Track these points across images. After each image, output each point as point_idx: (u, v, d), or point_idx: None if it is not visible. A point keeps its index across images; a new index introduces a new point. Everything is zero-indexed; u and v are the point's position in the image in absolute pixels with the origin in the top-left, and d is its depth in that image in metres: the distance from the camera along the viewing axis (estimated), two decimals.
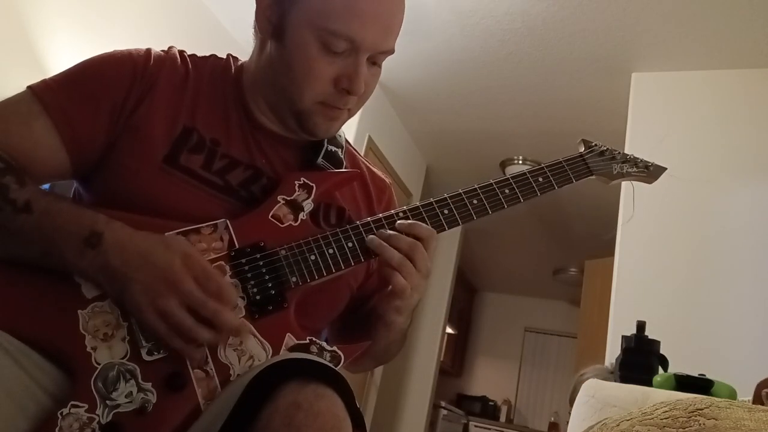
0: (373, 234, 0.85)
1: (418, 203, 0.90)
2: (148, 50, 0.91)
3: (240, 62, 0.98)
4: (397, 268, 0.82)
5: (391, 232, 0.84)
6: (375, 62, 0.88)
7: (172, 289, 0.70)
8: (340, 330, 1.00)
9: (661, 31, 2.71)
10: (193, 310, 0.71)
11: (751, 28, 2.58)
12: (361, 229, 0.86)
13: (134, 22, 2.71)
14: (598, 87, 3.18)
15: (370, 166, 1.06)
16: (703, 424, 0.85)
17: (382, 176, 1.07)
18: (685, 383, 1.44)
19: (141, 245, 0.73)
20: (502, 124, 3.74)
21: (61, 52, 2.41)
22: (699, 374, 1.48)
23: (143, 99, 0.86)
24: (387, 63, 0.91)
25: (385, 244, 0.82)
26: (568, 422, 1.42)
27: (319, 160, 0.93)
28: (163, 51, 0.93)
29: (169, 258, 0.72)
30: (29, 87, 0.84)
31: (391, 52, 0.88)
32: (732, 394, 1.43)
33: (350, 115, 0.92)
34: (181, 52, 0.94)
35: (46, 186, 0.90)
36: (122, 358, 0.72)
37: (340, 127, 0.94)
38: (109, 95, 0.85)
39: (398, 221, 0.86)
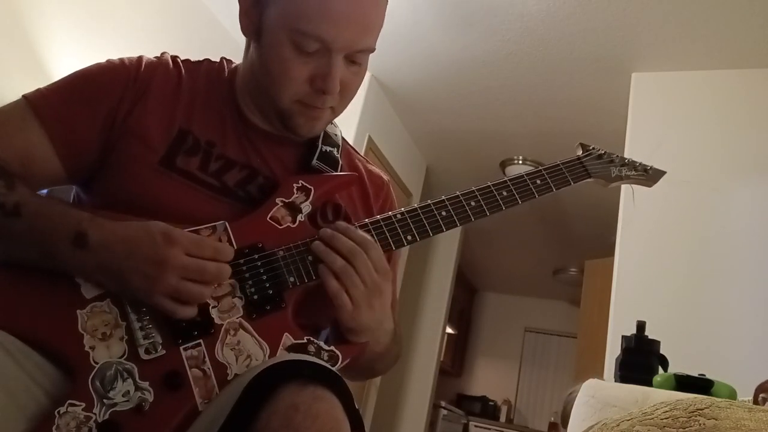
0: (371, 235, 0.85)
1: (416, 205, 0.90)
2: (140, 57, 0.92)
3: (234, 64, 0.99)
4: (339, 274, 0.79)
5: (333, 231, 0.81)
6: (354, 61, 0.87)
7: (166, 268, 0.71)
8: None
9: (661, 31, 2.71)
10: (196, 279, 0.73)
11: (751, 28, 2.58)
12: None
13: (134, 23, 2.71)
14: (598, 87, 3.18)
15: (367, 164, 1.06)
16: (704, 424, 0.85)
17: (380, 173, 1.07)
18: (685, 383, 1.44)
19: (123, 235, 0.74)
20: (502, 124, 3.74)
21: (61, 54, 2.41)
22: (699, 374, 1.48)
23: (136, 104, 0.87)
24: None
25: (328, 249, 0.80)
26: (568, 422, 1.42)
27: (314, 161, 0.93)
28: (155, 57, 0.94)
29: (151, 240, 0.73)
30: (24, 96, 0.85)
31: (370, 50, 0.87)
32: (732, 394, 1.43)
33: (335, 114, 0.92)
34: (174, 57, 0.96)
35: (44, 191, 0.91)
36: (120, 357, 0.72)
37: (324, 126, 0.94)
38: (103, 103, 0.86)
39: (337, 222, 0.84)
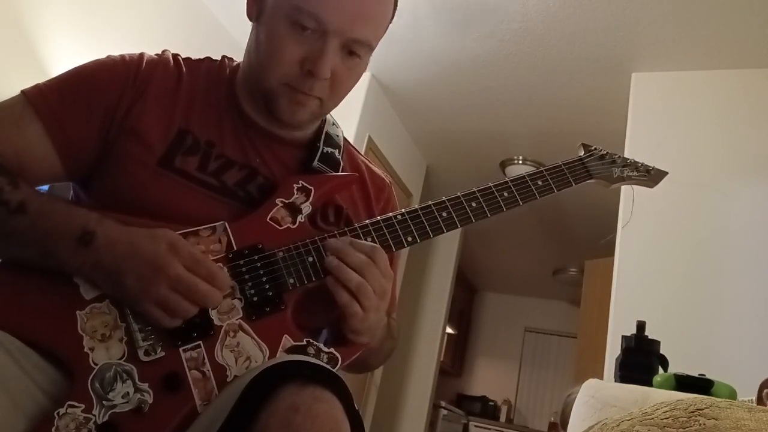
0: (371, 237, 0.85)
1: (416, 206, 0.90)
2: (141, 54, 0.91)
3: (235, 63, 0.98)
4: (355, 292, 0.79)
5: (343, 246, 0.81)
6: (352, 52, 0.86)
7: (161, 275, 0.71)
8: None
9: (661, 31, 2.71)
10: (185, 294, 0.72)
11: (751, 28, 2.58)
12: (359, 232, 0.86)
13: (134, 23, 2.71)
14: (598, 87, 3.18)
15: (370, 165, 1.05)
16: (704, 424, 0.84)
17: (382, 175, 1.06)
18: (685, 383, 1.44)
19: (129, 238, 0.74)
20: (502, 124, 3.74)
21: (61, 53, 2.41)
22: (699, 374, 1.48)
23: (136, 102, 0.86)
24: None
25: (343, 265, 0.80)
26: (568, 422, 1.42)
27: (315, 163, 0.92)
28: (156, 55, 0.93)
29: (155, 247, 0.73)
30: (22, 91, 0.84)
31: (368, 43, 0.86)
32: (732, 394, 1.43)
33: (323, 109, 0.90)
34: (175, 56, 0.95)
35: (44, 188, 0.90)
36: (119, 359, 0.72)
37: (308, 117, 0.90)
38: (101, 100, 0.85)
39: (342, 238, 0.83)
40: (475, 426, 6.41)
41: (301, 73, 0.84)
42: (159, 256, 0.72)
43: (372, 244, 0.83)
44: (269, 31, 0.85)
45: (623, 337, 1.71)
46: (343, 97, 0.92)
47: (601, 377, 2.38)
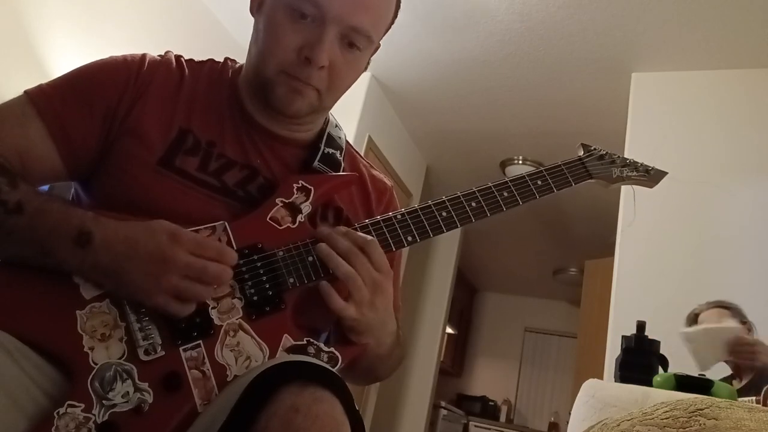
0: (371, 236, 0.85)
1: (416, 206, 0.90)
2: (143, 55, 0.92)
3: (238, 64, 0.98)
4: (343, 281, 0.79)
5: (331, 232, 0.82)
6: (351, 43, 0.86)
7: (169, 267, 0.72)
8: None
9: (661, 31, 2.71)
10: (198, 278, 0.73)
11: (751, 28, 2.58)
12: (359, 231, 0.85)
13: (135, 23, 2.71)
14: (598, 87, 3.18)
15: (371, 168, 1.05)
16: (704, 424, 0.84)
17: (383, 178, 1.06)
18: (685, 383, 1.44)
19: (126, 235, 0.74)
20: (502, 124, 3.75)
21: (62, 52, 2.41)
22: (699, 374, 1.48)
23: (136, 102, 0.87)
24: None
25: (333, 253, 0.80)
26: (568, 422, 1.42)
27: (316, 163, 0.92)
28: (159, 56, 0.94)
29: (155, 240, 0.73)
30: (25, 91, 0.85)
31: (366, 33, 0.86)
32: (732, 395, 1.43)
33: (321, 101, 0.89)
34: (177, 57, 0.95)
35: (45, 187, 0.90)
36: (119, 358, 0.72)
37: (306, 108, 0.88)
38: (103, 100, 0.86)
39: (337, 227, 0.84)
40: (475, 426, 6.42)
41: (298, 60, 0.84)
42: (162, 249, 0.72)
43: (366, 236, 0.83)
44: (269, 20, 0.86)
45: (623, 337, 1.71)
46: (343, 92, 0.92)
47: (601, 377, 2.38)
